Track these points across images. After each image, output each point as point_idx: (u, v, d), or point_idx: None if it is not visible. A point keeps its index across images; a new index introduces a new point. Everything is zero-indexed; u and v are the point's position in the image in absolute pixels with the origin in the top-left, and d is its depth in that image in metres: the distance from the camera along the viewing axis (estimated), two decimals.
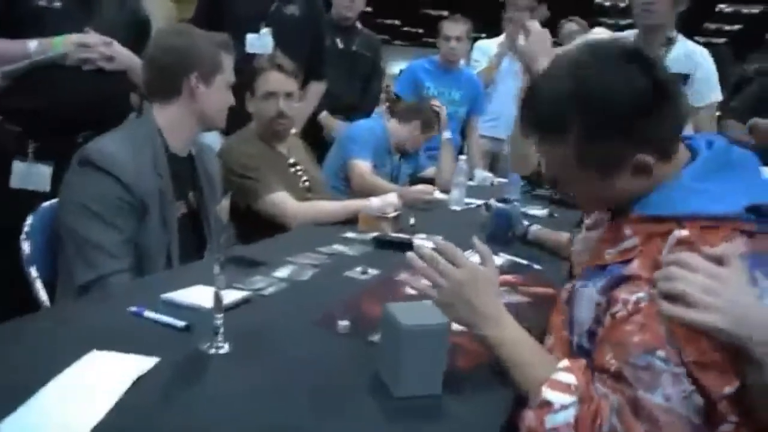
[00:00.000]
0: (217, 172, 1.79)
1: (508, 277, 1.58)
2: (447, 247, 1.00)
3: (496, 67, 3.81)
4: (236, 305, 1.21)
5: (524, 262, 1.75)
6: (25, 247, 1.54)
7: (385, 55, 4.01)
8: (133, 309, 1.15)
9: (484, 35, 4.69)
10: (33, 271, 1.53)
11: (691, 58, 2.30)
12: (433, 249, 1.01)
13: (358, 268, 1.53)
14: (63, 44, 1.88)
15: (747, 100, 3.62)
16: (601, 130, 0.92)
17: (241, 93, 2.22)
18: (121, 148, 1.47)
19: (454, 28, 3.46)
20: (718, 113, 3.10)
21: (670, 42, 2.34)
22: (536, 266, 1.73)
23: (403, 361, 0.92)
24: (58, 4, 1.91)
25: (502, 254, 1.80)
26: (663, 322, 0.81)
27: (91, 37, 1.90)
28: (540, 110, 0.98)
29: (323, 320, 1.18)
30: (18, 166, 1.94)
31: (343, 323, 1.14)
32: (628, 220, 0.94)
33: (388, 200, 2.08)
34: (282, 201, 2.02)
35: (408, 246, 1.76)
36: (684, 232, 0.85)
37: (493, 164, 4.01)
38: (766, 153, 1.15)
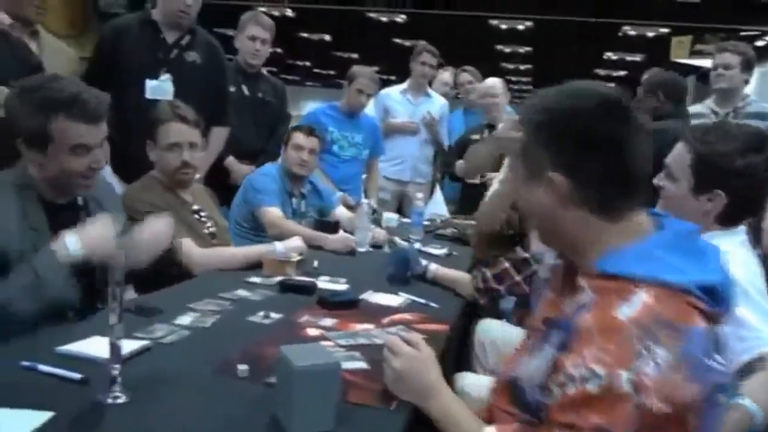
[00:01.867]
0: (121, 215, 1.76)
1: (406, 316, 1.68)
2: (389, 341, 1.14)
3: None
4: (135, 355, 1.23)
5: (422, 300, 1.85)
6: None
7: (296, 97, 4.09)
8: (26, 363, 1.14)
9: (393, 77, 4.94)
10: None
11: None
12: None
13: (261, 313, 1.58)
14: None
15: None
16: (544, 132, 0.97)
17: (141, 140, 2.25)
18: None
19: (366, 84, 3.59)
20: None
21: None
22: (433, 304, 1.83)
23: (296, 401, 0.98)
24: None
25: (401, 293, 1.90)
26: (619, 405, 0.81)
27: None
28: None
29: (223, 366, 1.21)
30: None
31: (242, 368, 1.18)
32: (584, 274, 0.95)
33: (292, 244, 2.14)
34: (186, 248, 2.03)
35: (311, 289, 1.85)
36: (646, 297, 0.86)
37: (399, 206, 4.18)
38: None
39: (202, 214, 2.28)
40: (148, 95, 2.69)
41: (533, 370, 0.96)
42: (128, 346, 1.22)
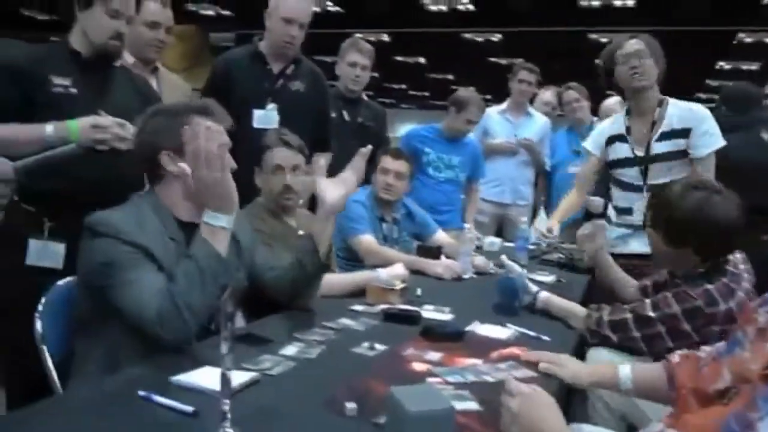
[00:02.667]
0: (247, 239, 1.77)
1: (515, 350, 1.58)
2: (505, 381, 1.12)
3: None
4: (245, 387, 1.22)
5: (532, 333, 1.75)
6: (38, 326, 1.56)
7: (391, 119, 4.10)
8: (143, 393, 1.16)
9: (489, 96, 4.86)
10: (45, 351, 1.55)
11: (690, 113, 2.52)
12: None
13: (365, 344, 1.54)
14: (78, 128, 1.97)
15: None
16: None
17: (250, 168, 2.31)
18: (121, 215, 1.48)
19: (477, 114, 3.54)
20: None
21: (662, 103, 2.55)
22: (544, 337, 1.73)
23: None
24: (74, 91, 2.01)
25: (509, 325, 1.80)
26: None
27: (105, 118, 1.97)
28: None
29: (331, 403, 1.18)
30: (34, 244, 2.00)
31: (351, 405, 1.14)
32: None
33: (395, 272, 2.11)
34: None
35: (416, 319, 1.80)
36: None
37: (500, 229, 4.06)
38: None
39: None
40: (256, 124, 2.77)
41: None
42: (237, 377, 1.22)
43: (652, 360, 1.74)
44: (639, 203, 2.50)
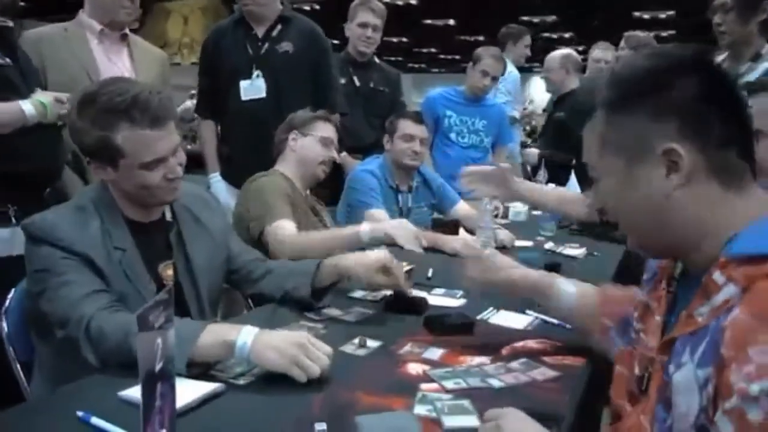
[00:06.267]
0: (221, 226, 1.61)
1: (531, 344, 1.36)
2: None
3: None
4: (201, 402, 1.04)
5: (555, 321, 1.51)
6: (3, 325, 1.46)
7: (422, 84, 3.86)
8: (82, 414, 0.99)
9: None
10: (12, 352, 1.44)
11: None
12: None
13: (356, 340, 1.34)
14: (50, 104, 1.83)
15: None
16: (624, 101, 0.86)
17: (245, 144, 2.14)
18: (59, 217, 1.33)
19: (495, 67, 3.31)
20: None
21: (758, 57, 2.33)
22: (569, 326, 1.49)
23: None
24: (8, 60, 1.85)
25: (530, 312, 1.57)
26: None
27: (59, 93, 1.87)
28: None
29: (300, 422, 0.99)
30: (1, 234, 1.84)
31: (320, 427, 0.95)
32: (716, 265, 0.79)
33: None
34: (282, 228, 1.90)
35: (420, 306, 1.58)
36: None
37: None
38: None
39: (319, 216, 2.21)
40: (243, 96, 2.55)
41: (680, 406, 0.77)
42: (195, 390, 1.05)
43: None
44: None
